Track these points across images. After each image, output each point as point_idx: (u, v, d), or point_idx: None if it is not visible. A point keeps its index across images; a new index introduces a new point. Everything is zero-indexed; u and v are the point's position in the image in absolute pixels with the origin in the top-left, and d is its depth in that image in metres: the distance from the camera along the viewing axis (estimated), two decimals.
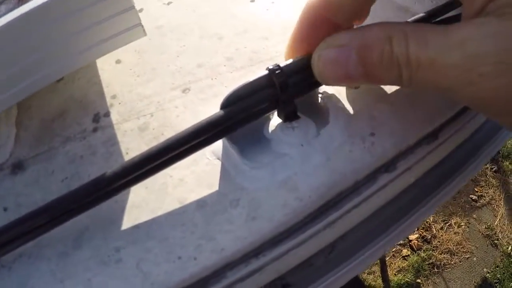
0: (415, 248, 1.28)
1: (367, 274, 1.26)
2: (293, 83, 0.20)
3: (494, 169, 1.35)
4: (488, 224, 1.25)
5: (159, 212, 0.20)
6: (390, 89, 0.24)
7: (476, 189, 1.32)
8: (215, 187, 0.20)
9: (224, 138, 0.21)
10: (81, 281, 0.19)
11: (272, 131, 0.21)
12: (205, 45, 0.29)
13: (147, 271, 0.18)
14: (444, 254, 1.25)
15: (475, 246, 1.24)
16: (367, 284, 1.25)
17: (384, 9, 0.31)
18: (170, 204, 0.20)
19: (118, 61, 0.30)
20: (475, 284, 1.19)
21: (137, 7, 0.34)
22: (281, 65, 0.19)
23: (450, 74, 0.15)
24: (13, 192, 0.23)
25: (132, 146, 0.24)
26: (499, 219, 1.26)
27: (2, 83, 0.23)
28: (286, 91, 0.19)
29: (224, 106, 0.19)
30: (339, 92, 0.24)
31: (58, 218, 0.19)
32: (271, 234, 0.19)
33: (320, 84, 0.21)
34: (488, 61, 0.14)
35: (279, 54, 0.27)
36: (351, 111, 0.22)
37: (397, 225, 0.26)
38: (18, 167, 0.25)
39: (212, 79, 0.26)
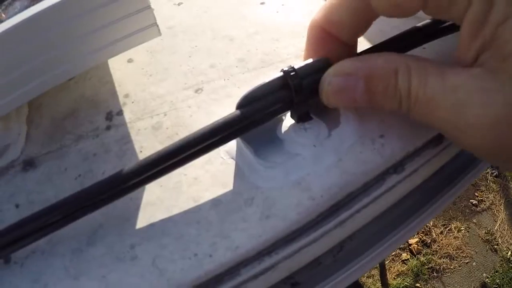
0: (414, 252, 1.28)
1: (366, 277, 1.26)
2: (307, 85, 0.20)
3: (494, 174, 1.36)
4: (488, 229, 1.26)
5: (174, 210, 0.20)
6: None
7: (476, 194, 1.33)
8: (230, 186, 0.21)
9: (238, 138, 0.22)
10: (95, 277, 0.19)
11: (285, 131, 0.22)
12: (217, 46, 0.29)
13: (162, 267, 0.19)
14: (443, 258, 1.25)
15: (475, 251, 1.24)
16: None
17: None
18: (185, 202, 0.20)
19: (130, 61, 0.30)
20: None
21: None
22: (296, 67, 0.20)
23: (442, 115, 0.17)
24: (25, 189, 0.24)
25: (146, 145, 0.24)
26: (499, 224, 1.27)
27: (15, 81, 0.23)
28: (300, 92, 0.20)
29: (240, 106, 0.19)
30: None
31: (72, 214, 0.20)
32: (285, 233, 0.19)
33: None
34: (475, 113, 0.15)
35: (290, 56, 0.28)
36: (361, 113, 0.23)
37: (403, 226, 0.26)
38: (29, 164, 0.26)
39: (224, 79, 0.26)
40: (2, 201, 0.23)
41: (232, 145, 0.22)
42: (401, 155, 0.22)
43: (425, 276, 1.23)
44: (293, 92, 0.19)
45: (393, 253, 1.30)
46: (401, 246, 1.32)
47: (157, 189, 0.21)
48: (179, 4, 0.35)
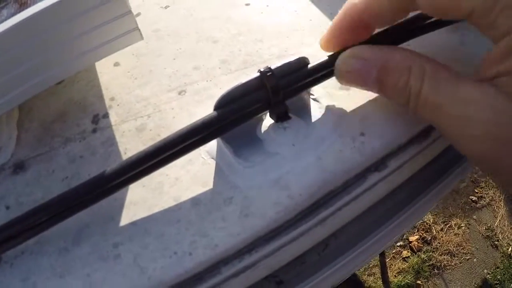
0: (415, 250, 1.28)
1: (367, 276, 1.26)
2: (284, 85, 0.20)
3: None
4: (488, 225, 1.26)
5: (156, 210, 0.21)
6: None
7: (476, 190, 1.32)
8: (210, 186, 0.21)
9: (218, 138, 0.22)
10: (80, 276, 0.20)
11: (265, 131, 0.22)
12: (201, 48, 0.30)
13: (144, 266, 0.19)
14: (444, 255, 1.25)
15: (475, 247, 1.24)
16: (367, 286, 1.25)
17: None
18: (166, 202, 0.21)
19: (116, 64, 0.31)
20: (475, 285, 1.19)
21: (135, 11, 0.35)
22: (272, 67, 0.20)
23: (448, 122, 0.17)
24: (14, 191, 0.24)
25: (130, 147, 0.24)
26: (499, 220, 1.26)
27: (4, 86, 0.24)
28: (277, 93, 0.20)
29: (217, 107, 0.20)
30: (330, 93, 0.24)
31: (59, 215, 0.20)
32: (264, 231, 0.20)
33: (310, 86, 0.22)
34: (480, 128, 0.16)
35: (272, 57, 0.28)
36: (341, 111, 0.23)
37: (390, 223, 0.26)
38: (19, 167, 0.26)
39: (207, 81, 0.27)
40: None
41: (212, 145, 0.22)
42: (382, 153, 0.22)
43: (426, 273, 1.23)
44: (269, 93, 0.20)
45: (393, 251, 1.30)
46: (402, 243, 1.32)
47: (140, 189, 0.22)
48: (166, 7, 0.35)
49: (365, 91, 0.25)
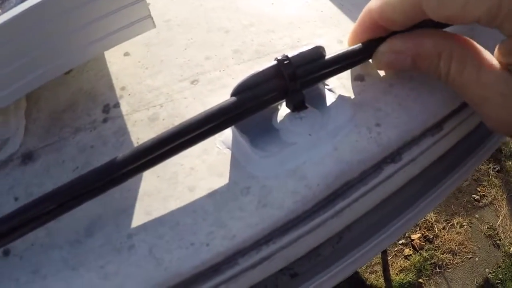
0: (417, 248, 1.28)
1: (369, 273, 1.26)
2: (301, 74, 0.20)
3: (496, 169, 1.35)
4: (491, 224, 1.25)
5: (171, 200, 0.20)
6: (394, 82, 0.24)
7: (478, 189, 1.32)
8: (226, 176, 0.20)
9: (234, 128, 0.21)
10: (94, 268, 0.19)
11: (281, 121, 0.21)
12: (212, 38, 0.29)
13: (160, 257, 0.19)
14: (446, 254, 1.24)
15: (477, 246, 1.24)
16: (369, 284, 1.25)
17: None
18: (181, 192, 0.20)
19: (126, 54, 0.30)
20: (477, 284, 1.19)
21: None
22: (290, 55, 0.20)
23: (471, 99, 0.21)
24: (23, 182, 0.24)
25: (143, 136, 0.24)
26: (502, 219, 1.26)
27: (12, 75, 0.23)
28: (294, 81, 0.19)
29: (234, 94, 0.19)
30: (344, 84, 0.24)
31: (69, 202, 0.20)
32: (282, 222, 0.19)
33: (327, 77, 0.22)
34: (495, 110, 0.20)
35: (285, 47, 0.28)
36: (356, 102, 0.23)
37: (403, 216, 0.26)
38: (28, 157, 0.26)
39: (220, 71, 0.26)
40: (1, 194, 0.23)
41: (228, 135, 0.22)
42: (398, 144, 0.22)
43: (428, 272, 1.23)
44: (287, 81, 0.19)
45: (395, 249, 1.30)
46: (404, 241, 1.32)
47: (154, 180, 0.21)
48: None
49: (379, 83, 0.25)
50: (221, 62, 0.27)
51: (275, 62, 0.19)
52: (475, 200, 1.30)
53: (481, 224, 1.26)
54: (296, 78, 0.19)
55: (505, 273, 1.19)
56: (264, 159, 0.20)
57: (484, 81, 0.19)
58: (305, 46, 0.20)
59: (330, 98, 0.22)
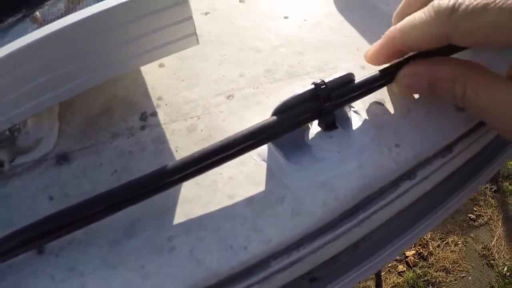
0: (411, 265, 1.29)
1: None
2: (334, 97, 0.22)
3: (493, 189, 1.38)
4: (485, 244, 1.28)
5: (210, 206, 0.22)
6: (411, 106, 0.27)
7: (474, 208, 1.35)
8: (262, 186, 0.22)
9: (269, 143, 0.24)
10: (134, 267, 0.21)
11: (312, 138, 0.24)
12: (245, 56, 0.31)
13: (200, 258, 0.20)
14: (439, 271, 1.26)
15: (471, 266, 1.26)
16: None
17: None
18: (220, 199, 0.22)
19: (161, 65, 0.32)
20: None
21: None
22: (326, 80, 0.22)
23: (488, 118, 0.22)
24: (59, 182, 0.25)
25: (181, 145, 0.26)
26: (496, 240, 1.28)
27: (55, 81, 0.24)
28: (328, 104, 0.22)
29: (275, 113, 0.22)
30: (367, 106, 0.26)
31: (115, 206, 0.21)
32: (312, 229, 0.21)
33: (356, 99, 0.24)
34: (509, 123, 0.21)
35: (313, 69, 0.30)
36: (378, 124, 0.25)
37: (413, 229, 0.28)
38: (63, 158, 0.27)
39: (253, 88, 0.28)
40: (36, 193, 0.24)
41: (264, 148, 0.24)
42: (413, 163, 0.25)
43: None
44: (322, 103, 0.21)
45: (389, 265, 1.32)
46: (398, 257, 1.34)
47: (194, 187, 0.23)
48: (206, 14, 0.37)
49: (397, 106, 0.27)
50: (254, 80, 0.29)
51: (313, 86, 0.22)
52: (471, 219, 1.33)
53: (475, 244, 1.28)
54: (330, 101, 0.21)
55: None
56: (297, 172, 0.22)
57: (499, 100, 0.20)
58: (331, 69, 0.22)
59: (355, 120, 0.25)
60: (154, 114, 0.29)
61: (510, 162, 1.50)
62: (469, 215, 1.33)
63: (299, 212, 0.21)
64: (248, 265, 0.20)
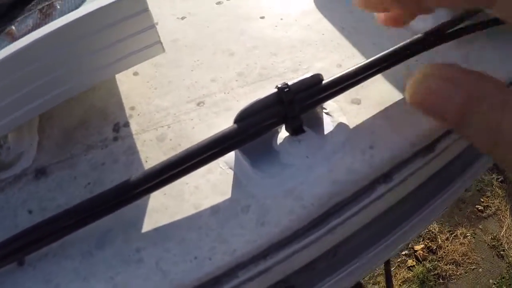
0: (420, 259, 1.28)
1: (372, 284, 1.26)
2: (299, 100, 0.21)
3: (500, 179, 1.35)
4: (494, 234, 1.25)
5: (177, 217, 0.22)
6: (388, 105, 0.26)
7: (482, 200, 1.32)
8: (228, 194, 0.22)
9: (236, 150, 0.23)
10: (103, 278, 0.21)
11: (280, 143, 0.23)
12: (218, 60, 0.31)
13: (166, 269, 0.20)
14: (449, 265, 1.24)
15: (481, 257, 1.24)
16: None
17: (388, 27, 0.32)
18: (187, 209, 0.22)
19: (135, 74, 0.32)
20: None
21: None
22: (289, 83, 0.21)
23: None
24: (37, 196, 0.25)
25: (151, 156, 0.26)
26: (505, 230, 1.26)
27: (28, 95, 0.24)
28: (293, 107, 0.21)
29: (237, 120, 0.21)
30: (341, 107, 0.25)
31: (83, 220, 0.21)
32: (278, 238, 0.21)
33: (324, 101, 0.23)
34: None
35: (287, 71, 0.29)
36: (352, 125, 0.24)
37: (396, 232, 0.27)
38: (41, 172, 0.27)
39: (224, 93, 0.28)
40: (15, 207, 0.25)
41: (230, 156, 0.24)
42: (389, 166, 0.24)
43: (431, 283, 1.23)
44: (286, 108, 0.21)
45: (398, 260, 1.30)
46: (407, 252, 1.32)
47: (162, 197, 0.23)
48: (182, 18, 0.37)
49: (375, 106, 0.26)
50: (226, 85, 0.28)
51: (275, 89, 0.21)
52: (479, 210, 1.31)
53: (484, 235, 1.26)
54: (295, 105, 0.21)
55: (509, 284, 1.19)
56: (264, 179, 0.22)
57: None
58: (305, 70, 0.21)
59: (327, 121, 0.24)
60: (127, 124, 0.28)
61: None
62: (476, 206, 1.31)
63: (264, 222, 0.21)
64: (214, 276, 0.20)
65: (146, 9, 0.23)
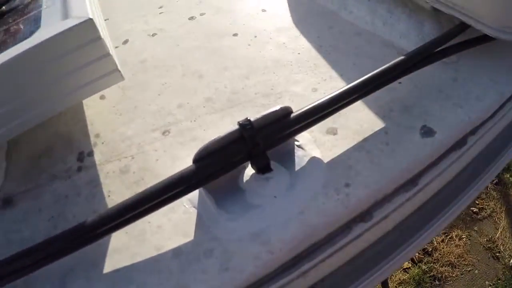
0: (416, 261, 1.27)
1: None
2: (264, 137, 0.20)
3: (494, 181, 1.34)
4: (490, 236, 1.24)
5: (138, 258, 0.20)
6: (368, 136, 0.24)
7: (477, 202, 1.31)
8: (191, 236, 0.20)
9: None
10: None
11: (247, 181, 0.21)
12: (186, 83, 0.29)
13: None
14: (445, 266, 1.23)
15: (477, 259, 1.22)
16: None
17: (370, 44, 0.31)
18: (148, 251, 0.20)
19: (102, 97, 0.31)
20: None
21: (123, 38, 0.35)
22: (252, 119, 0.19)
23: None
24: (2, 227, 0.24)
25: (114, 189, 0.24)
26: (501, 232, 1.25)
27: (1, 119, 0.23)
28: (256, 145, 0.19)
29: (196, 160, 0.19)
30: (316, 138, 0.24)
31: (43, 260, 0.20)
32: (243, 285, 0.19)
33: (292, 135, 0.22)
34: None
35: (258, 95, 0.27)
36: (327, 159, 0.22)
37: (377, 268, 0.26)
38: (8, 202, 0.26)
39: (191, 121, 0.26)
40: None
41: (195, 193, 0.22)
42: (368, 204, 0.22)
43: (427, 285, 1.22)
44: (249, 145, 0.19)
45: None
46: None
47: (123, 236, 0.21)
48: (153, 35, 0.35)
49: (353, 136, 0.24)
50: (193, 111, 0.27)
51: (237, 126, 0.19)
52: (474, 212, 1.29)
53: (480, 237, 1.25)
54: (258, 142, 0.19)
55: (505, 286, 1.18)
56: (228, 221, 0.20)
57: None
58: (271, 107, 0.20)
59: (299, 156, 0.22)
60: (91, 153, 0.27)
61: None
62: (471, 208, 1.29)
63: (228, 267, 0.19)
64: None
65: (98, 38, 0.22)
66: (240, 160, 0.20)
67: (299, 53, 0.31)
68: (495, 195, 1.27)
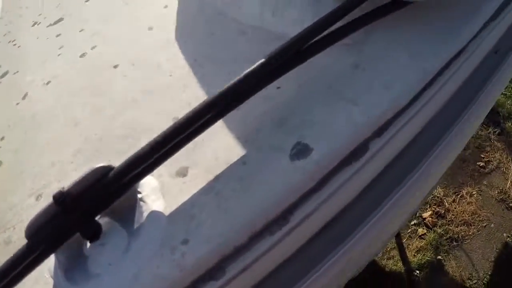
0: (430, 226, 1.24)
1: (387, 259, 1.24)
2: (84, 207, 0.19)
3: (497, 132, 1.27)
4: (500, 188, 1.19)
5: None
6: (221, 173, 0.22)
7: (482, 155, 1.25)
8: None
9: (53, 255, 0.21)
10: None
11: (90, 246, 0.21)
12: (63, 136, 0.29)
13: None
14: (460, 226, 1.20)
15: (491, 213, 1.18)
16: (388, 270, 1.23)
17: (253, 44, 0.28)
18: None
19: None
20: (497, 250, 1.14)
21: (23, 92, 0.35)
22: (65, 189, 0.19)
23: None
24: None
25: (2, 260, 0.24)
26: (511, 181, 1.20)
27: None
28: (76, 217, 0.19)
29: (28, 237, 0.19)
30: (163, 182, 0.22)
31: None
32: None
33: (120, 193, 0.20)
34: None
35: (119, 139, 0.26)
36: (170, 210, 0.21)
37: None
38: None
39: (58, 181, 0.26)
40: None
41: (53, 262, 0.22)
42: (213, 261, 0.19)
43: (445, 247, 1.19)
44: (69, 219, 0.19)
45: (408, 230, 1.27)
46: (415, 221, 1.29)
47: None
48: (47, 83, 0.34)
49: (205, 175, 0.22)
50: (62, 169, 0.26)
51: (52, 200, 0.19)
52: (481, 167, 1.24)
53: (491, 190, 1.20)
54: (77, 213, 0.19)
55: None
56: None
57: None
58: (84, 171, 0.19)
59: (140, 211, 0.21)
60: None
61: (508, 102, 1.38)
62: (478, 163, 1.24)
63: None
64: None
65: None
66: (66, 233, 0.20)
67: (170, 75, 0.29)
68: (500, 146, 1.21)
